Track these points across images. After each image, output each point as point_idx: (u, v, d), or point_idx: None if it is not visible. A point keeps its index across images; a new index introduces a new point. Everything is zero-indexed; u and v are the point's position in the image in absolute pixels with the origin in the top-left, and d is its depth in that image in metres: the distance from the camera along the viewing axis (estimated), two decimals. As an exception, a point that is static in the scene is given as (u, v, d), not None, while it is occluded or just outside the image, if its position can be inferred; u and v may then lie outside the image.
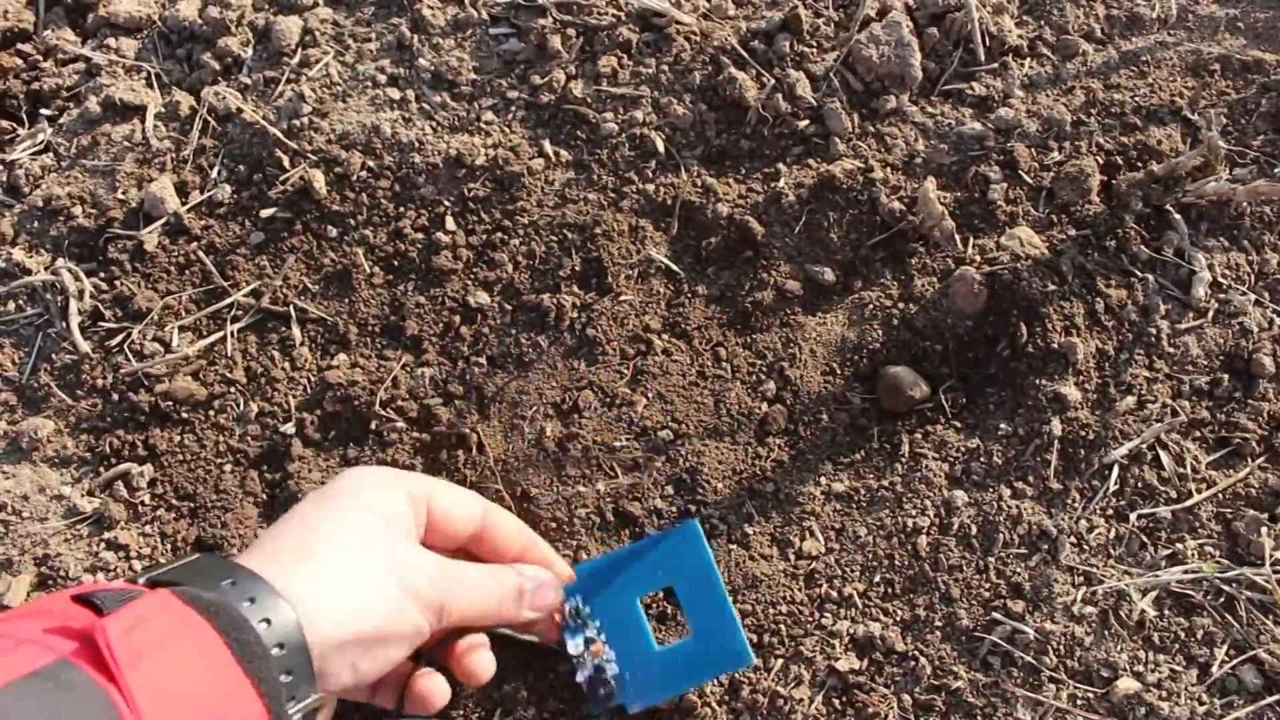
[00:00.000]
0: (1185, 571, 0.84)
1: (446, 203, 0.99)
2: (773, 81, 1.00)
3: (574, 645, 0.81)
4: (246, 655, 0.57)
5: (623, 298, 0.95)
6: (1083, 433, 0.89)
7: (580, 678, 0.81)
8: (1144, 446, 0.88)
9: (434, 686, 0.76)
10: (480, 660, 0.77)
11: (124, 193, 1.01)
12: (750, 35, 1.03)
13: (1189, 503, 0.87)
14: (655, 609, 0.86)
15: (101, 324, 0.97)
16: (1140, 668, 0.82)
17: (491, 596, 0.75)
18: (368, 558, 0.67)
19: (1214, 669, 0.82)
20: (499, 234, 0.98)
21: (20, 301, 0.98)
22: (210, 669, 0.56)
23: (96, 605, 0.57)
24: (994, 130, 0.99)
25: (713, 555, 0.83)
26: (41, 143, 1.05)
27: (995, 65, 1.03)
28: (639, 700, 0.80)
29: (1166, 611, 0.84)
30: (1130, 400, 0.90)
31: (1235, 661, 0.82)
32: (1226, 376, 0.91)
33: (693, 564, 0.82)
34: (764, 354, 0.94)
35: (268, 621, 0.59)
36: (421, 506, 0.74)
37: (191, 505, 0.91)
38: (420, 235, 0.98)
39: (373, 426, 0.92)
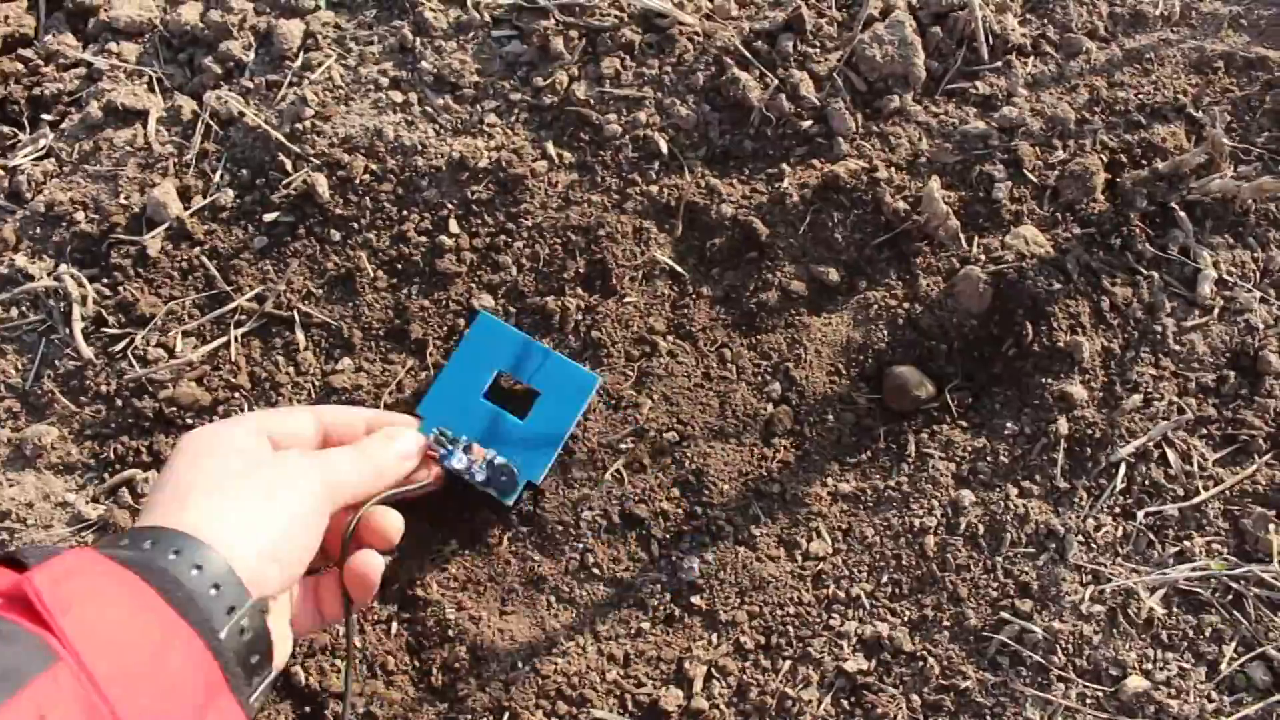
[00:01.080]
0: (1193, 569, 0.84)
1: (450, 206, 0.99)
2: (776, 82, 1.00)
3: (458, 460, 0.86)
4: (174, 599, 0.58)
5: (627, 299, 0.95)
6: (1089, 431, 0.89)
7: (480, 479, 0.86)
8: (1151, 444, 0.88)
9: (368, 560, 0.78)
10: (387, 521, 0.79)
11: (126, 198, 1.01)
12: (753, 35, 1.03)
13: (1196, 500, 0.87)
14: (500, 397, 0.91)
15: (105, 330, 0.97)
16: (1149, 666, 0.82)
17: (366, 465, 0.77)
18: (245, 478, 0.69)
19: (1223, 666, 0.82)
20: (503, 237, 0.98)
21: (23, 308, 0.98)
22: (141, 611, 0.57)
23: (21, 562, 0.58)
24: (998, 129, 0.99)
25: (512, 327, 0.93)
26: (43, 148, 1.05)
27: (999, 64, 1.02)
28: (537, 468, 0.89)
29: (1175, 609, 0.84)
30: (1137, 398, 0.90)
31: (1244, 659, 0.82)
32: (1233, 374, 0.91)
33: (503, 341, 0.92)
34: (769, 355, 0.94)
35: (177, 552, 0.61)
36: (263, 436, 0.75)
37: (197, 510, 0.91)
38: (424, 238, 0.98)
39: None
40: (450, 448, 0.86)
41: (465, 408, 0.90)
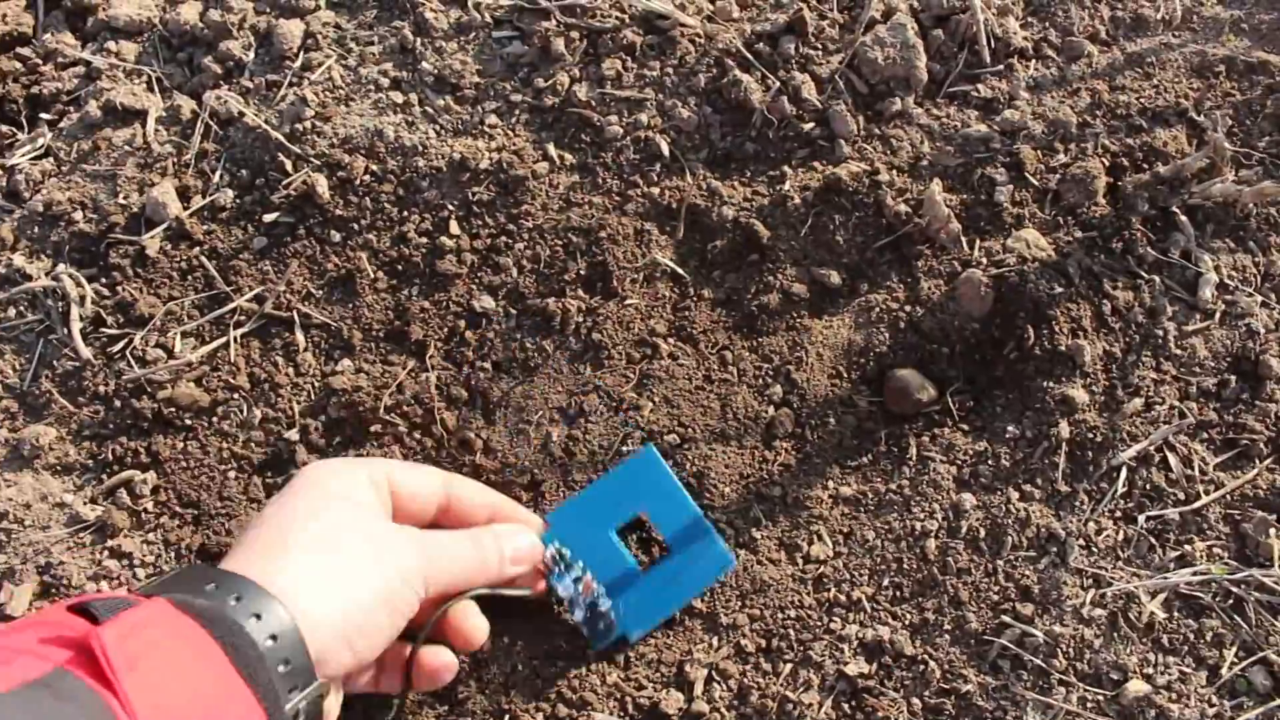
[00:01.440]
0: (1194, 573, 0.84)
1: (450, 207, 0.99)
2: (777, 84, 1.00)
3: (564, 588, 0.84)
4: (241, 657, 0.58)
5: (628, 301, 0.95)
6: (1090, 435, 0.89)
7: (578, 617, 0.84)
8: (1152, 448, 0.88)
9: (441, 658, 0.77)
10: (473, 622, 0.78)
11: (125, 198, 1.00)
12: (755, 38, 1.03)
13: (1197, 504, 0.87)
14: (634, 538, 0.89)
15: (103, 330, 0.96)
16: (1150, 670, 0.82)
17: (472, 558, 0.76)
18: (344, 540, 0.68)
19: (1223, 671, 0.82)
20: (503, 238, 0.97)
21: (21, 308, 0.98)
22: (206, 672, 0.57)
23: (92, 614, 0.58)
24: (1000, 132, 0.99)
25: (672, 473, 0.87)
26: (41, 147, 1.04)
27: (1000, 67, 1.02)
28: (639, 625, 0.84)
29: (1175, 613, 0.84)
30: (1138, 402, 0.89)
31: (1245, 663, 0.82)
32: (1234, 378, 0.91)
33: (657, 484, 0.87)
34: (770, 357, 0.93)
35: (257, 616, 0.60)
36: (384, 488, 0.75)
37: (195, 512, 0.91)
38: (424, 240, 0.97)
39: (376, 431, 0.92)
40: (563, 571, 0.84)
41: (593, 534, 0.86)
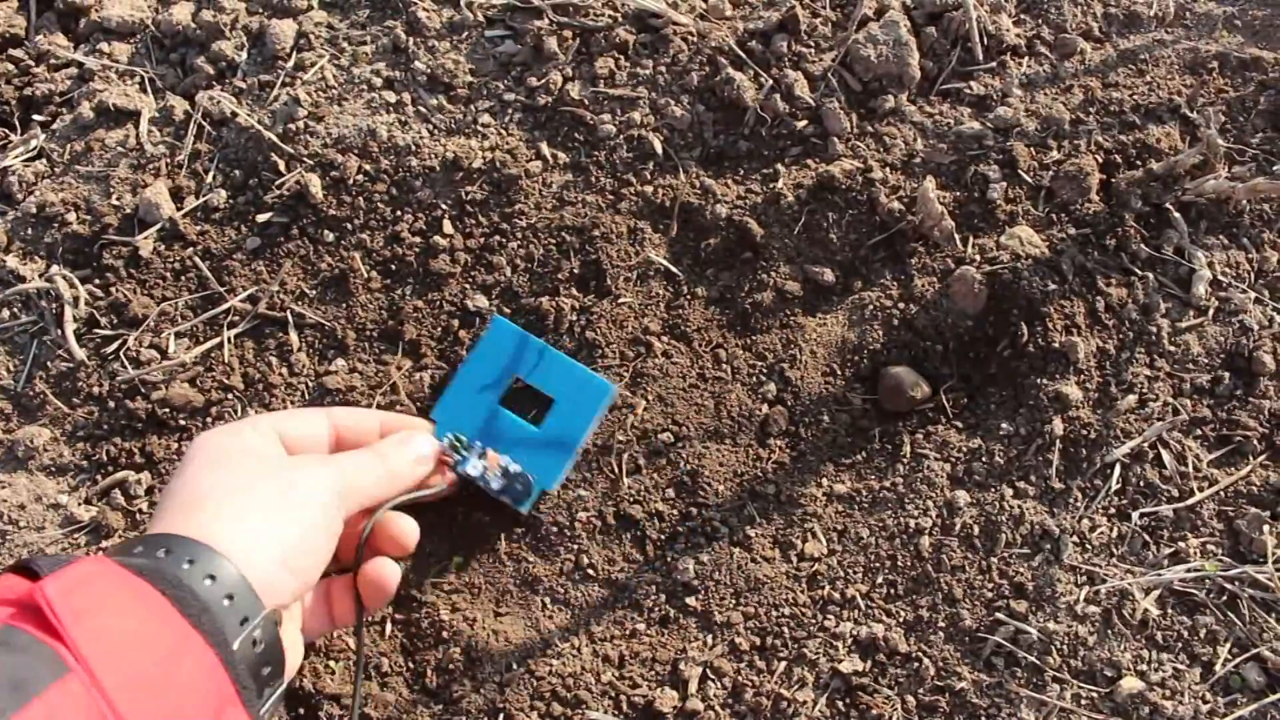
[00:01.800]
0: (1188, 570, 0.84)
1: (444, 206, 0.98)
2: (770, 82, 1.00)
3: (472, 467, 0.86)
4: (183, 603, 0.59)
5: (622, 300, 0.95)
6: (1084, 432, 0.89)
7: (495, 487, 0.86)
8: (1145, 445, 0.88)
9: (383, 567, 0.79)
10: (401, 526, 0.80)
11: (118, 199, 1.00)
12: (748, 36, 1.03)
13: (1191, 501, 0.87)
14: (514, 403, 0.91)
15: (97, 331, 0.96)
16: (1144, 667, 0.82)
17: (379, 469, 0.78)
18: (256, 480, 0.70)
19: (1217, 667, 0.82)
20: (497, 237, 0.97)
21: (14, 309, 0.98)
22: (151, 617, 0.58)
23: (35, 572, 0.58)
24: (993, 129, 0.99)
25: (527, 332, 0.92)
26: (34, 149, 1.04)
27: (993, 64, 1.02)
28: (553, 475, 0.88)
29: (1169, 610, 0.84)
30: (1131, 399, 0.90)
31: (1238, 660, 0.82)
32: (1227, 374, 0.91)
33: (517, 347, 0.91)
34: (764, 355, 0.93)
35: (190, 562, 0.61)
36: (273, 436, 0.76)
37: (190, 512, 0.90)
38: (418, 239, 0.97)
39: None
40: (465, 454, 0.86)
41: (479, 413, 0.90)
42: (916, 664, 0.83)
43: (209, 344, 0.95)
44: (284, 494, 0.69)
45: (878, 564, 0.87)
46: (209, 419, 0.93)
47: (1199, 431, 0.89)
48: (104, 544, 0.88)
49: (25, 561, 0.59)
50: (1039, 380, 0.91)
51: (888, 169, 0.98)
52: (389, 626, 0.86)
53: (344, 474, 0.74)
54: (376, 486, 0.77)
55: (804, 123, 1.00)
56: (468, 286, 0.96)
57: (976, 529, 0.87)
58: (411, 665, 0.85)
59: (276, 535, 0.67)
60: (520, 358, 0.91)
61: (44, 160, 1.04)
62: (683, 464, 0.90)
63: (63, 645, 0.53)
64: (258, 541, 0.65)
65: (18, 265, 0.98)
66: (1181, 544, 0.86)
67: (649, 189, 0.98)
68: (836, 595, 0.86)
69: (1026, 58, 1.03)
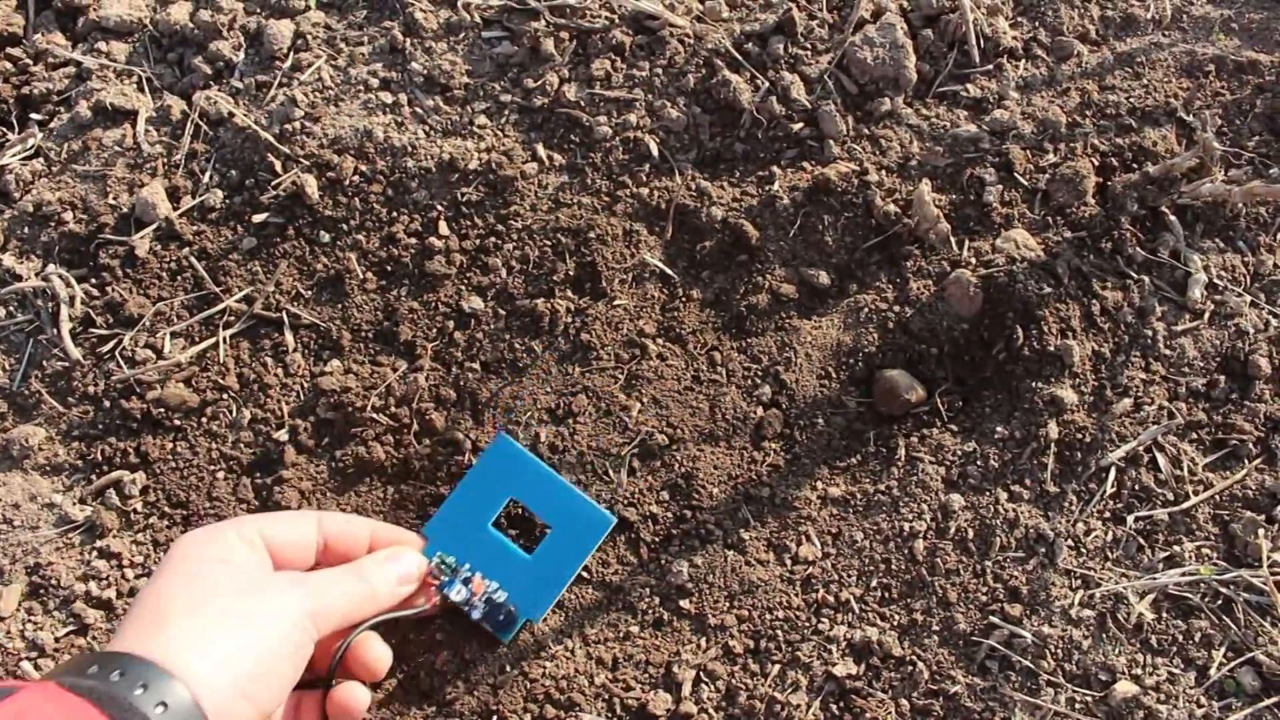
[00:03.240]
0: (1183, 574, 0.84)
1: (439, 207, 0.98)
2: (767, 84, 1.00)
3: (455, 593, 0.84)
4: None
5: (617, 302, 0.95)
6: (1079, 435, 0.89)
7: (477, 616, 0.84)
8: (1141, 449, 0.88)
9: (352, 693, 0.77)
10: (374, 653, 0.78)
11: (115, 198, 1.00)
12: (744, 38, 1.02)
13: (1186, 505, 0.87)
14: (510, 527, 0.89)
15: (93, 330, 0.96)
16: (1138, 671, 0.82)
17: (358, 590, 0.76)
18: (224, 599, 0.68)
19: (1212, 671, 0.81)
20: (492, 239, 0.97)
21: (10, 308, 0.98)
22: None
23: None
24: (989, 132, 0.99)
25: (530, 454, 0.88)
26: (32, 148, 1.04)
27: (990, 67, 1.02)
28: (538, 607, 0.85)
29: (1164, 614, 0.84)
30: (1127, 402, 0.89)
31: (1233, 664, 0.82)
32: (1223, 378, 0.91)
33: (519, 468, 0.87)
34: (759, 358, 0.93)
35: (144, 687, 0.60)
36: (258, 544, 0.74)
37: (184, 513, 0.91)
38: (413, 240, 0.97)
39: (363, 432, 0.92)
40: (451, 577, 0.84)
41: (471, 534, 0.86)
42: (911, 668, 0.83)
43: (204, 344, 0.95)
44: (253, 616, 0.68)
45: (872, 567, 0.87)
46: (204, 419, 0.93)
47: (1194, 435, 0.89)
48: (65, 656, 0.87)
49: None
50: (1034, 384, 0.91)
51: (884, 172, 0.98)
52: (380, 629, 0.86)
53: (320, 595, 0.72)
54: (353, 606, 0.75)
55: (800, 125, 1.00)
56: (463, 288, 0.96)
57: (971, 532, 0.87)
58: (404, 668, 0.85)
59: (238, 661, 0.65)
60: (521, 480, 0.87)
61: (41, 159, 1.04)
62: (677, 466, 0.90)
63: None
64: (218, 667, 0.64)
65: (14, 264, 0.98)
66: (1176, 548, 0.86)
67: (645, 191, 0.98)
68: (831, 598, 0.86)
69: (1023, 60, 1.03)
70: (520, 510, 0.89)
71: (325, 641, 0.73)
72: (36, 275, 0.98)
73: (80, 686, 0.59)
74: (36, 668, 0.85)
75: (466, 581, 0.84)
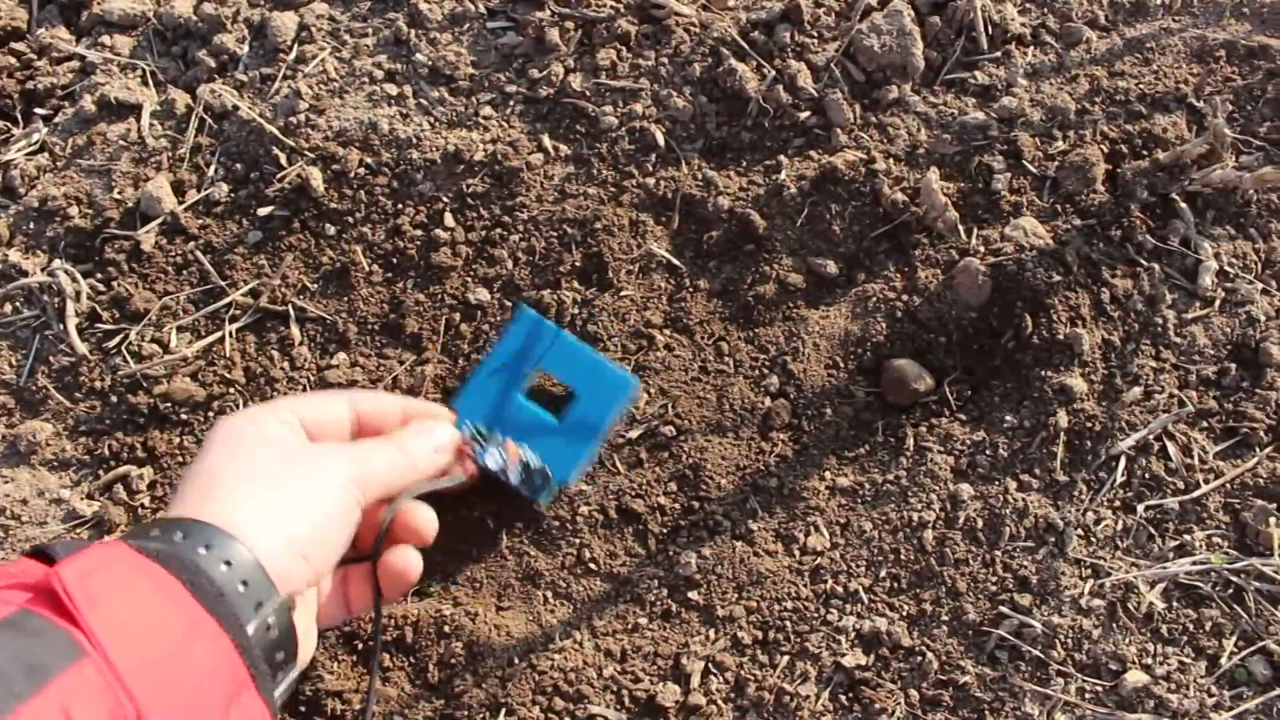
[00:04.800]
0: (1193, 563, 0.84)
1: (445, 199, 0.98)
2: (773, 73, 0.99)
3: (492, 459, 0.85)
4: (198, 587, 0.59)
5: (624, 293, 0.94)
6: (1089, 424, 0.88)
7: (514, 480, 0.85)
8: (1151, 437, 0.88)
9: (405, 557, 0.78)
10: (422, 516, 0.80)
11: (120, 192, 1.00)
12: (750, 26, 1.02)
13: (1197, 493, 0.86)
14: (537, 395, 0.91)
15: (99, 325, 0.96)
16: (1149, 660, 0.81)
17: (399, 459, 0.77)
18: (276, 466, 0.70)
19: (1223, 661, 0.81)
20: (498, 230, 0.97)
21: (17, 303, 0.98)
22: (165, 602, 0.58)
23: (50, 556, 0.58)
24: (997, 120, 0.98)
25: (552, 323, 0.91)
26: (36, 142, 1.04)
27: (998, 54, 1.02)
28: (572, 469, 0.88)
29: (1175, 603, 0.83)
30: (1137, 391, 0.89)
31: (1244, 653, 0.81)
32: (1234, 366, 0.90)
33: (542, 339, 0.90)
34: (766, 348, 0.93)
35: (207, 547, 0.62)
36: (295, 424, 0.75)
37: (192, 507, 0.90)
38: (419, 232, 0.97)
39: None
40: (485, 445, 0.85)
41: (500, 404, 0.89)
42: (920, 658, 0.83)
43: (211, 338, 0.95)
44: (302, 482, 0.69)
45: (881, 557, 0.86)
46: (211, 413, 0.93)
47: (1205, 423, 0.89)
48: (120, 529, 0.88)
49: (42, 547, 0.60)
50: (1043, 372, 0.90)
51: (891, 160, 0.97)
52: (390, 621, 0.86)
53: (363, 462, 0.74)
54: (395, 475, 0.76)
55: (807, 114, 0.99)
56: (469, 280, 0.96)
57: (980, 522, 0.86)
58: (413, 660, 0.85)
59: (293, 523, 0.67)
60: (543, 349, 0.90)
61: (46, 154, 1.04)
62: (685, 457, 0.89)
63: (78, 630, 0.53)
64: (274, 528, 0.65)
65: (20, 259, 0.98)
66: (1187, 537, 0.85)
67: (651, 181, 0.97)
68: (839, 589, 0.85)
69: (1031, 47, 1.02)
70: (545, 381, 0.92)
71: (369, 513, 0.75)
72: (42, 270, 0.98)
73: (146, 548, 0.60)
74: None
75: (500, 448, 0.86)
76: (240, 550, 0.62)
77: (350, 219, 0.98)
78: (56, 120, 1.05)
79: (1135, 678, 0.80)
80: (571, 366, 0.89)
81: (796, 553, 0.87)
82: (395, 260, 0.97)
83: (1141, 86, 1.00)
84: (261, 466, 0.69)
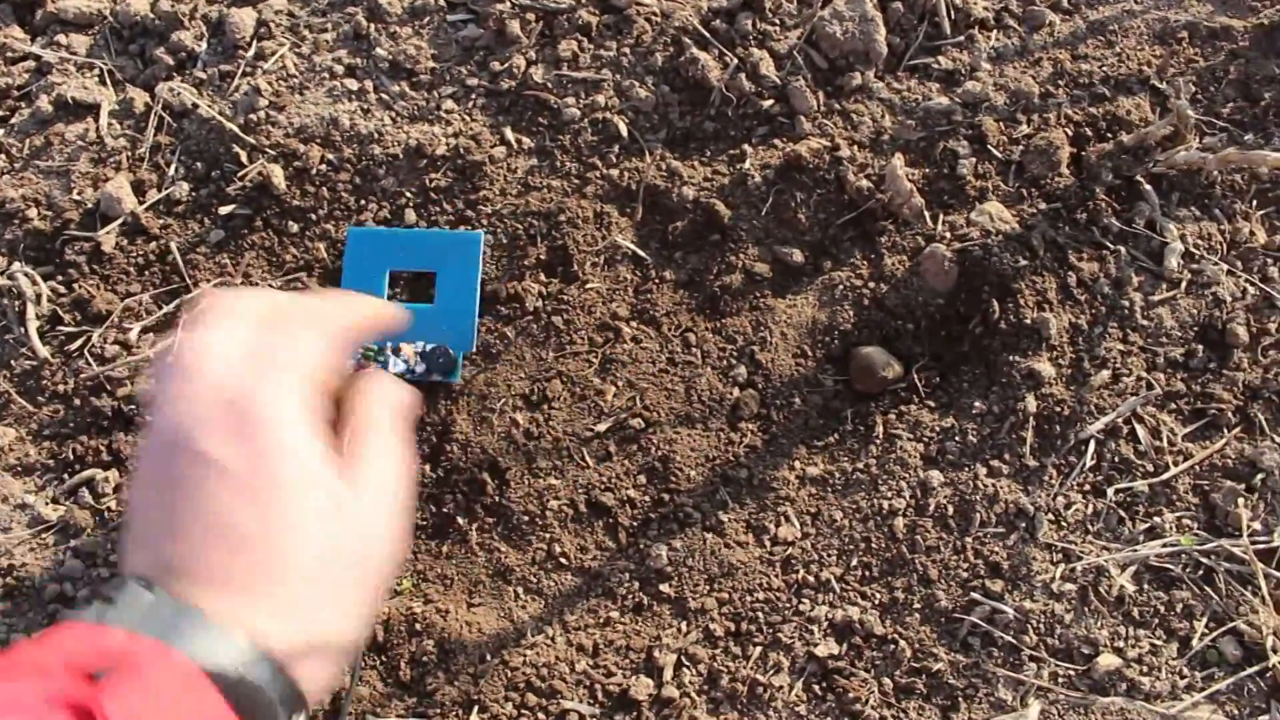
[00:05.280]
0: (1164, 545, 0.84)
1: (408, 194, 0.97)
2: (735, 61, 0.99)
3: (394, 366, 0.90)
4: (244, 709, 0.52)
5: (589, 285, 0.94)
6: (1058, 408, 0.88)
7: (421, 371, 0.91)
8: (1120, 420, 0.88)
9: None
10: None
11: (79, 193, 0.99)
12: (711, 14, 1.01)
13: (1166, 475, 0.86)
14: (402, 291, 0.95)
15: (60, 328, 0.95)
16: (1121, 643, 0.82)
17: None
18: (338, 569, 0.57)
19: (1194, 642, 0.81)
20: (463, 224, 0.96)
21: (-24, 307, 0.96)
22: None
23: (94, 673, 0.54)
24: (961, 104, 0.98)
25: (378, 226, 0.96)
26: (-7, 144, 1.03)
27: (961, 38, 1.01)
28: (467, 338, 0.92)
29: (1145, 586, 0.83)
30: (1105, 374, 0.89)
31: (1215, 634, 0.82)
32: (1201, 347, 0.90)
33: (379, 244, 0.95)
34: (734, 338, 0.92)
35: (276, 671, 0.53)
36: (313, 422, 0.58)
37: (157, 510, 0.89)
38: (383, 228, 0.96)
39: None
40: (381, 358, 0.89)
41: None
42: (892, 646, 0.83)
43: (173, 339, 0.94)
44: (359, 578, 0.58)
45: (852, 546, 0.86)
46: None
47: (1173, 405, 0.89)
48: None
49: (84, 650, 0.55)
50: (1011, 357, 0.90)
51: (856, 147, 0.97)
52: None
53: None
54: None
55: (770, 102, 0.98)
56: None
57: (951, 509, 0.86)
58: (385, 658, 0.84)
59: (346, 630, 0.57)
60: (386, 252, 0.94)
61: (3, 155, 1.02)
62: (654, 450, 0.89)
63: None
64: (330, 647, 0.56)
65: (-22, 263, 0.97)
66: (1157, 519, 0.85)
67: (615, 172, 0.97)
68: (811, 579, 0.85)
69: (995, 31, 1.02)
70: (402, 276, 0.95)
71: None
72: (2, 274, 0.97)
73: (218, 674, 0.51)
74: (11, 670, 0.84)
75: (396, 352, 0.90)
76: (289, 685, 0.54)
77: (313, 216, 0.97)
78: (13, 121, 1.04)
79: (1107, 661, 0.80)
80: (417, 252, 0.94)
81: (767, 543, 0.87)
82: (359, 257, 0.96)
83: (1105, 69, 0.99)
84: (322, 563, 0.56)
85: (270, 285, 0.96)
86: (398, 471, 0.61)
